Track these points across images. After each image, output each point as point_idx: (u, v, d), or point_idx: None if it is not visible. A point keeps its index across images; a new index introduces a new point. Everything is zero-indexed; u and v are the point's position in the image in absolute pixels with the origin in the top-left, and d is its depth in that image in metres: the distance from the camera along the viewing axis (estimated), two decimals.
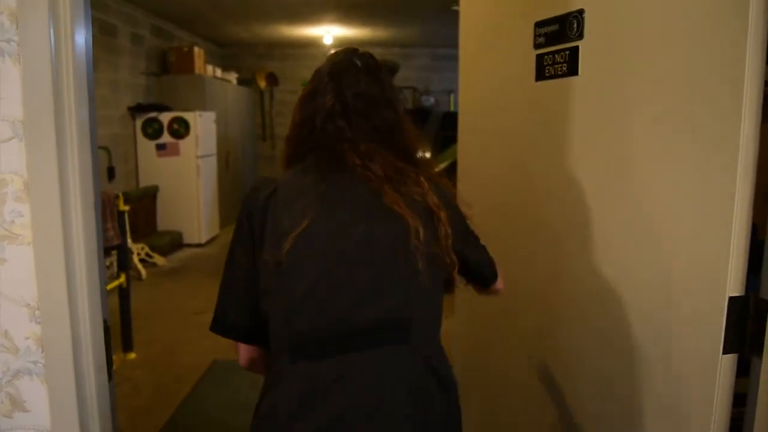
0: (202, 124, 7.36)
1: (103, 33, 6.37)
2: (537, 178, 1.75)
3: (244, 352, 1.25)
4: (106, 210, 3.51)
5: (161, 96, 7.67)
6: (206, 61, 8.32)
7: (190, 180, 7.28)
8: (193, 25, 8.55)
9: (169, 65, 7.83)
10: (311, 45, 10.30)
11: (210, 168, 7.73)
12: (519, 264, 1.76)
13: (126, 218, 3.80)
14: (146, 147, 7.21)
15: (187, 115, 7.18)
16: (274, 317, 1.13)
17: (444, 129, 7.83)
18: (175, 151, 7.22)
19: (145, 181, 7.24)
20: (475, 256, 1.33)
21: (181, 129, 7.18)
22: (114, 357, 4.03)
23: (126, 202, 6.65)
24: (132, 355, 3.91)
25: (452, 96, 10.61)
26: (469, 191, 1.71)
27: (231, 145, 8.90)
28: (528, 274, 1.77)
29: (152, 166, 7.24)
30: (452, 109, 10.52)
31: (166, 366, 3.83)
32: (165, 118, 7.18)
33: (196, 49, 7.85)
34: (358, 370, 1.09)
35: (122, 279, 3.75)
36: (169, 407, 3.28)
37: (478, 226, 1.35)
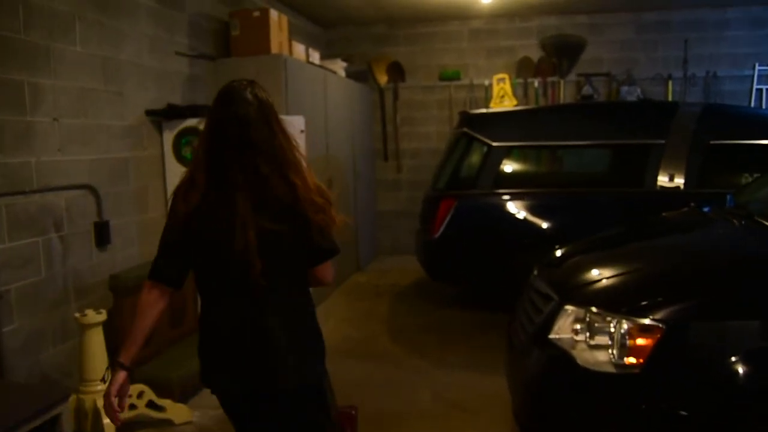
0: None
1: None
2: None
3: None
4: None
5: (214, 93, 4.63)
6: (294, 39, 5.25)
7: None
8: None
9: (231, 42, 4.81)
10: (453, 17, 6.98)
11: None
12: None
13: None
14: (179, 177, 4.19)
15: None
16: None
17: (707, 135, 4.34)
18: None
19: None
20: None
21: None
22: None
23: (119, 293, 3.09)
24: None
25: (671, 84, 6.83)
26: None
27: (334, 167, 5.75)
28: None
29: None
30: (672, 98, 6.77)
31: None
32: None
33: (273, 14, 4.78)
34: None
35: None
36: None
37: None
